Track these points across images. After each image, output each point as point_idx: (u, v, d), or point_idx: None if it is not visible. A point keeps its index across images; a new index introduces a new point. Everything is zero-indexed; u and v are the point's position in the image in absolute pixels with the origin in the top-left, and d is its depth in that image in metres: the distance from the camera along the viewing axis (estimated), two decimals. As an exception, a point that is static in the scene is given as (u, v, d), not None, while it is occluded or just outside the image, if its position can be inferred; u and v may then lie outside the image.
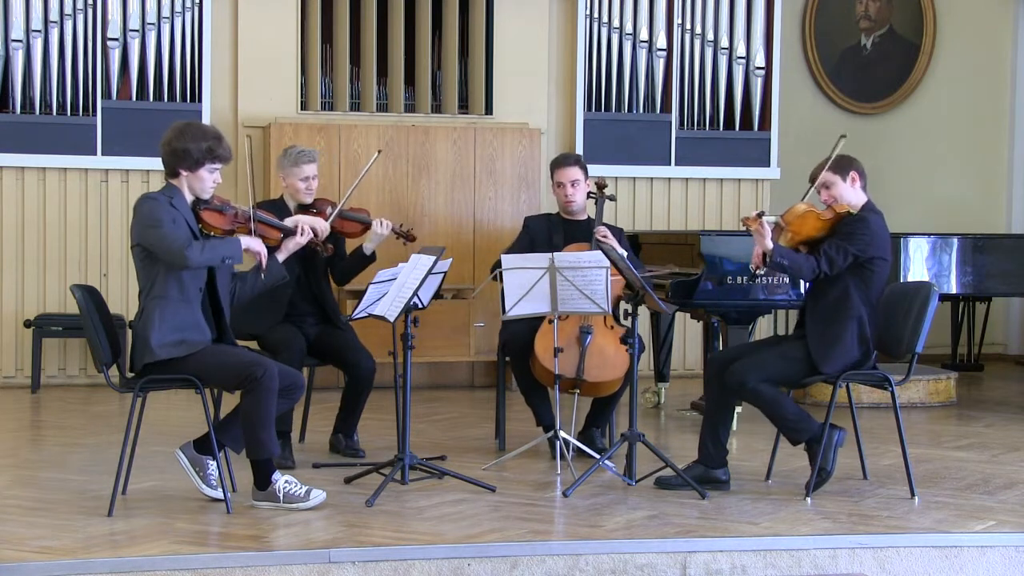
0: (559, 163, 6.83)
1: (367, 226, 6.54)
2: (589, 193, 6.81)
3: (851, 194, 5.76)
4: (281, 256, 5.71)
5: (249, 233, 5.52)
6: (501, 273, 6.16)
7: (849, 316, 5.69)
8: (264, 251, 5.49)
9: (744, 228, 5.68)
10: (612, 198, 6.88)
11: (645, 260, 7.66)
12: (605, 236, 6.56)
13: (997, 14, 11.26)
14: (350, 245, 6.74)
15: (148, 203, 5.33)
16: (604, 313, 6.06)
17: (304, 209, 6.49)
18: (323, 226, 6.07)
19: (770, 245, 5.62)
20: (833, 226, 5.72)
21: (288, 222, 5.88)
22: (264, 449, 5.29)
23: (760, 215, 5.61)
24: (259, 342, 6.42)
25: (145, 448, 5.99)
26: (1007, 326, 11.28)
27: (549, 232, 6.82)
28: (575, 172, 6.76)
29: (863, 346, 5.71)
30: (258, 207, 6.42)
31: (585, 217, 6.83)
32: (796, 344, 5.79)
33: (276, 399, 5.28)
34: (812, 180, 5.82)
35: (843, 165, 5.77)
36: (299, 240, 5.77)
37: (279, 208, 6.42)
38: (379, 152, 6.81)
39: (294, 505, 5.28)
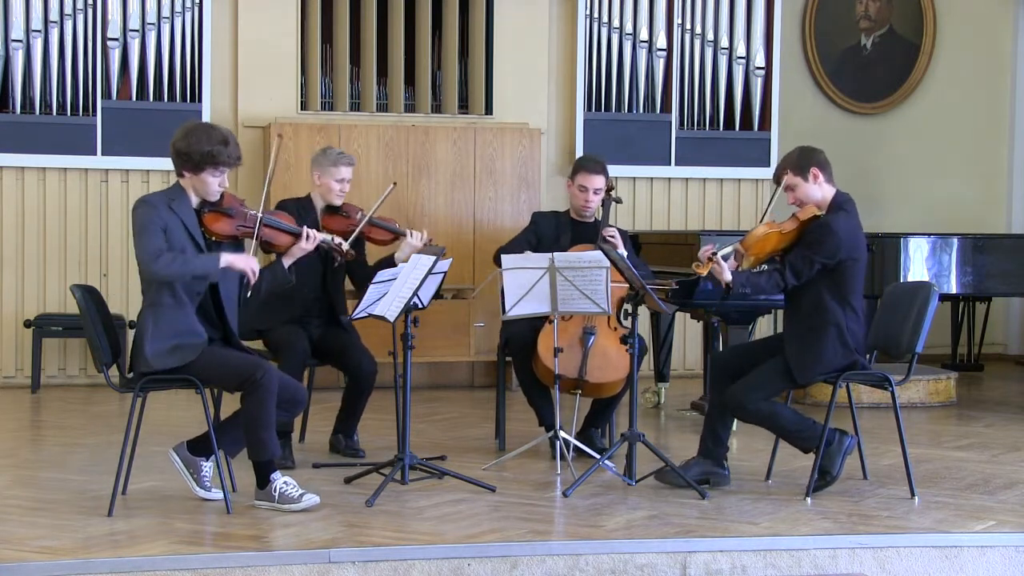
0: (588, 168, 6.72)
1: (396, 236, 6.49)
2: None
3: (816, 191, 5.68)
4: (287, 261, 5.64)
5: (254, 238, 5.45)
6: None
7: (826, 323, 5.61)
8: (252, 268, 5.34)
9: (697, 275, 5.62)
10: (619, 200, 6.85)
11: (645, 260, 7.65)
12: (613, 236, 6.56)
13: (997, 14, 11.26)
14: (374, 252, 6.69)
15: (140, 208, 5.27)
16: (604, 313, 6.06)
17: (332, 211, 6.49)
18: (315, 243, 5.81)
19: (729, 278, 5.57)
20: (801, 233, 5.65)
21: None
22: (265, 450, 5.28)
23: (712, 256, 5.52)
24: (263, 340, 6.41)
25: (145, 448, 5.99)
26: (1007, 326, 11.28)
27: (557, 232, 6.80)
28: (602, 181, 6.70)
29: (846, 353, 5.64)
30: (280, 205, 6.42)
31: (593, 220, 6.82)
32: (783, 358, 5.74)
33: (275, 399, 5.27)
34: (776, 182, 5.79)
35: (802, 163, 5.67)
36: (304, 247, 5.65)
37: (305, 207, 6.43)
38: (394, 184, 6.70)
39: (286, 506, 5.27)
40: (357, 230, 6.37)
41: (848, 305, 5.64)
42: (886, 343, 5.84)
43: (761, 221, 5.78)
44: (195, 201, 5.36)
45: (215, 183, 5.31)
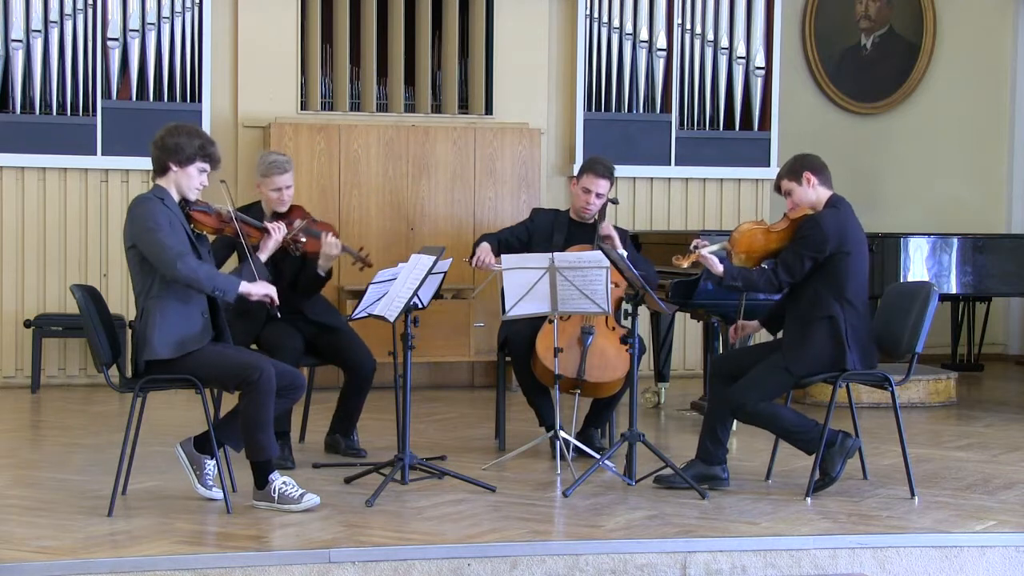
0: (596, 172, 6.68)
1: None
2: None
3: (810, 194, 5.76)
4: (263, 255, 5.73)
5: (235, 234, 5.60)
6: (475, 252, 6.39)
7: (819, 316, 5.65)
8: (271, 295, 5.42)
9: (684, 266, 5.67)
10: (615, 201, 6.85)
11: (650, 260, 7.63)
12: (609, 236, 6.55)
13: (997, 14, 11.26)
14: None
15: (144, 204, 5.33)
16: (604, 313, 6.06)
17: (279, 217, 6.40)
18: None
19: (720, 269, 5.65)
20: (792, 233, 5.73)
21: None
22: (262, 451, 5.29)
23: (694, 248, 5.63)
24: (257, 342, 6.40)
25: (145, 448, 5.99)
26: (1007, 326, 11.27)
27: (552, 230, 6.80)
28: (606, 185, 6.70)
29: (837, 346, 5.65)
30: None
31: (592, 221, 6.81)
32: (780, 353, 5.77)
33: (274, 400, 5.28)
34: (777, 191, 5.92)
35: (796, 168, 5.79)
36: (277, 237, 5.77)
37: (256, 213, 6.35)
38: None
39: (287, 506, 5.28)
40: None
41: (845, 300, 5.66)
42: (886, 343, 5.85)
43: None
44: (176, 199, 5.43)
45: (198, 179, 5.40)
